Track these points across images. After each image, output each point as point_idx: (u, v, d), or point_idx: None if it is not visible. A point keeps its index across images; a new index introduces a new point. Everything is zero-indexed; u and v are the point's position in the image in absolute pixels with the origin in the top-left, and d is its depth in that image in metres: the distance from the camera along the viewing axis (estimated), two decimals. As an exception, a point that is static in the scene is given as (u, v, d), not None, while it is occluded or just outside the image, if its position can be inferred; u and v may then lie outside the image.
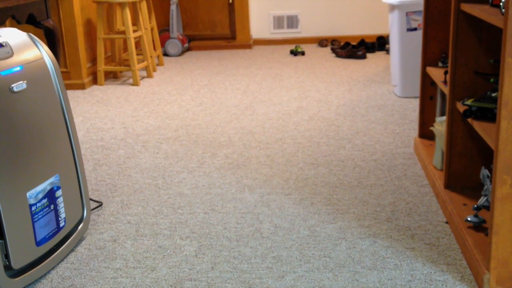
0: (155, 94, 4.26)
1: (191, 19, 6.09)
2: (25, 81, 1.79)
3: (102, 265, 1.94)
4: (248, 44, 6.05)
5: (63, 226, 1.98)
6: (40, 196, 1.85)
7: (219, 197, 2.43)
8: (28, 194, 1.80)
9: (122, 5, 4.43)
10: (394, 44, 3.90)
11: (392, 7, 3.83)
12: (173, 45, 5.75)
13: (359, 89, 4.16)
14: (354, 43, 5.81)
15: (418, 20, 3.76)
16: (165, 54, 5.81)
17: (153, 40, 5.26)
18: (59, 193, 1.95)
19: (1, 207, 1.69)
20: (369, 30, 6.04)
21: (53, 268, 1.93)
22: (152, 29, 5.15)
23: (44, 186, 1.87)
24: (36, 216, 1.84)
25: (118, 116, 3.69)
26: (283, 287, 1.78)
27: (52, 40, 3.02)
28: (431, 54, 2.69)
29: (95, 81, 4.67)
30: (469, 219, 1.94)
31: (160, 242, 2.08)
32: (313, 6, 6.06)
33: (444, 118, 2.40)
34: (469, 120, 1.95)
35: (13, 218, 1.74)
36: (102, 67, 4.57)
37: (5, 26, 3.21)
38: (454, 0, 2.08)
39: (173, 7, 5.63)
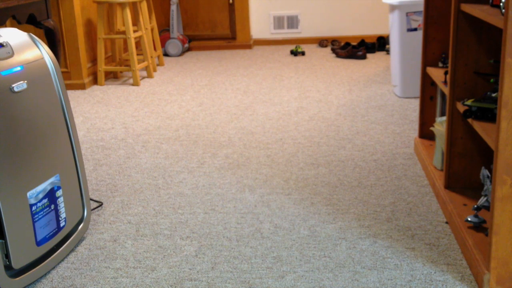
0: (155, 94, 4.26)
1: (192, 19, 6.09)
2: (26, 81, 1.79)
3: (102, 265, 1.94)
4: (248, 44, 6.05)
5: (63, 226, 1.98)
6: (41, 196, 1.85)
7: (219, 197, 2.43)
8: (28, 194, 1.80)
9: (122, 5, 4.43)
10: (394, 45, 3.90)
11: (393, 8, 3.83)
12: (173, 45, 5.75)
13: (359, 89, 4.16)
14: (354, 44, 5.82)
15: (418, 21, 3.76)
16: (165, 54, 5.81)
17: (153, 40, 5.26)
18: (59, 193, 1.95)
19: (1, 207, 1.69)
20: (369, 30, 6.04)
21: (53, 268, 1.93)
22: (152, 29, 5.15)
23: (45, 186, 1.87)
24: (37, 216, 1.84)
25: (119, 116, 3.70)
26: (283, 287, 1.78)
27: (53, 40, 3.03)
28: (431, 54, 2.69)
29: (95, 81, 4.68)
30: (469, 219, 1.94)
31: (160, 242, 2.08)
32: (313, 6, 6.06)
33: (444, 118, 2.40)
34: (469, 120, 1.95)
35: (13, 218, 1.74)
36: (102, 67, 4.57)
37: (6, 26, 3.21)
38: (454, 0, 2.08)
39: (173, 7, 5.63)
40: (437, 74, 2.54)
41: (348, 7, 6.02)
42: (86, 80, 4.52)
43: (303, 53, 5.57)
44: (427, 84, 2.76)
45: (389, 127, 3.28)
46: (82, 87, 4.48)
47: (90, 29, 4.68)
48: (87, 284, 1.84)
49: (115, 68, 4.67)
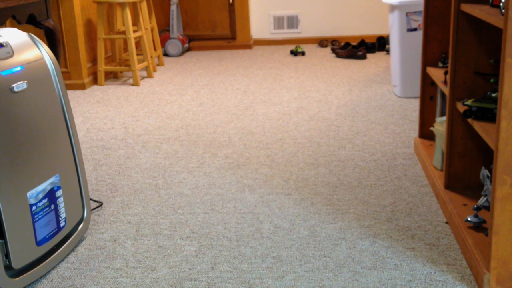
0: (155, 94, 4.26)
1: (191, 19, 6.09)
2: (26, 81, 1.79)
3: (102, 265, 1.94)
4: (248, 44, 6.05)
5: (63, 226, 1.98)
6: (41, 196, 1.85)
7: (219, 197, 2.43)
8: (28, 194, 1.80)
9: (122, 5, 4.43)
10: (394, 45, 3.90)
11: (392, 8, 3.83)
12: (173, 45, 5.75)
13: (359, 90, 4.16)
14: (354, 44, 5.82)
15: (418, 21, 3.76)
16: (165, 54, 5.81)
17: (153, 40, 5.26)
18: (59, 193, 1.95)
19: (1, 207, 1.69)
20: (369, 30, 6.04)
21: (53, 268, 1.93)
22: (152, 29, 5.15)
23: (45, 186, 1.87)
24: (37, 216, 1.84)
25: (118, 116, 3.70)
26: (283, 287, 1.78)
27: (53, 40, 3.02)
28: (431, 54, 2.69)
29: (95, 81, 4.68)
30: (469, 219, 1.94)
31: (160, 242, 2.08)
32: (313, 6, 6.06)
33: (444, 118, 2.40)
34: (469, 120, 1.95)
35: (13, 218, 1.74)
36: (102, 67, 4.57)
37: (6, 26, 3.21)
38: (454, 0, 2.08)
39: (173, 7, 5.64)
40: (437, 74, 2.54)
41: (348, 7, 6.02)
42: (86, 80, 4.52)
43: (303, 53, 5.57)
44: (427, 84, 2.76)
45: (389, 127, 3.28)
46: (82, 87, 4.48)
47: (90, 29, 4.68)
48: (87, 284, 1.84)
49: (115, 68, 4.66)
